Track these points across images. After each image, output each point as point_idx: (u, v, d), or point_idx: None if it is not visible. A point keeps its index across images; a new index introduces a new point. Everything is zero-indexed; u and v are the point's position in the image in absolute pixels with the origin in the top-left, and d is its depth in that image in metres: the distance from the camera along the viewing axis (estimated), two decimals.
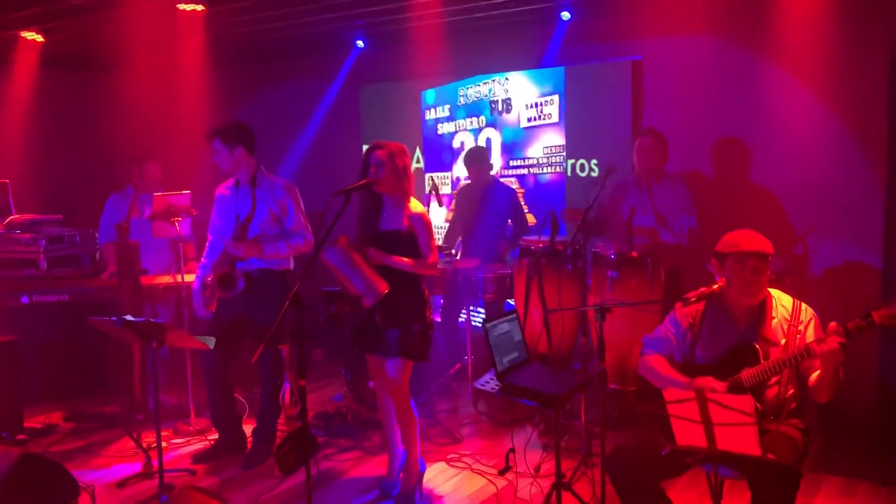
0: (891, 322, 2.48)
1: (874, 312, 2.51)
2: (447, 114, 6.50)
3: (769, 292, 2.90)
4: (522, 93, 6.00)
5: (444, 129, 6.56)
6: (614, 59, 5.54)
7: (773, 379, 2.76)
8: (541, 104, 5.88)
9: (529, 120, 5.98)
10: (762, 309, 2.87)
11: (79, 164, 6.97)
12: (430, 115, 6.67)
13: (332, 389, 5.55)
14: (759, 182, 5.06)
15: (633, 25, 5.36)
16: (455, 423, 4.81)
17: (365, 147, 3.69)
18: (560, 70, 5.77)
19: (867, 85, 4.59)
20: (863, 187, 4.69)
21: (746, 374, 2.74)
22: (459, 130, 6.44)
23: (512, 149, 6.14)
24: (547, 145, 5.91)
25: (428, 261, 3.58)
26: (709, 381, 2.75)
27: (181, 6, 5.10)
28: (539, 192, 6.02)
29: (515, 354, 3.34)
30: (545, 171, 5.95)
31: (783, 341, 2.80)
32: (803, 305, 2.87)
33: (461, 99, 6.37)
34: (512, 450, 4.02)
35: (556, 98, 5.78)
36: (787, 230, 4.94)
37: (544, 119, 5.87)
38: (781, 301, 2.89)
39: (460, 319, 5.58)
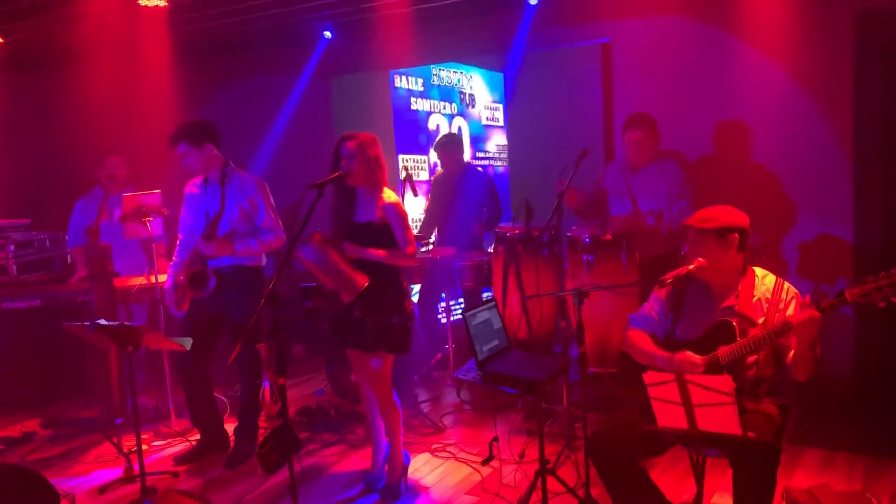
0: (863, 300, 2.50)
1: (846, 291, 2.53)
2: (421, 88, 6.45)
3: (753, 270, 2.91)
4: (482, 94, 6.60)
5: (418, 105, 6.46)
6: (583, 43, 5.54)
7: (752, 359, 2.77)
8: (493, 108, 6.78)
9: (487, 119, 6.77)
10: (743, 287, 2.89)
11: (44, 168, 6.84)
12: (401, 82, 6.47)
13: (314, 384, 5.53)
14: (729, 159, 5.08)
15: (601, 8, 5.36)
16: (438, 412, 4.81)
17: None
18: (500, 82, 6.38)
19: (833, 57, 4.63)
20: (833, 160, 4.73)
21: (723, 352, 2.75)
22: (434, 112, 6.47)
23: (477, 140, 6.61)
24: (498, 143, 6.75)
25: (406, 251, 3.54)
26: (688, 356, 2.77)
27: (142, 2, 5.02)
28: (496, 181, 6.39)
29: (496, 342, 3.34)
30: (498, 164, 6.80)
31: (762, 319, 2.81)
32: (786, 284, 2.88)
33: (434, 78, 6.36)
34: (495, 439, 4.03)
35: (500, 107, 6.67)
36: (760, 206, 4.97)
37: (495, 122, 6.80)
38: (764, 280, 2.90)
39: (440, 314, 5.57)
